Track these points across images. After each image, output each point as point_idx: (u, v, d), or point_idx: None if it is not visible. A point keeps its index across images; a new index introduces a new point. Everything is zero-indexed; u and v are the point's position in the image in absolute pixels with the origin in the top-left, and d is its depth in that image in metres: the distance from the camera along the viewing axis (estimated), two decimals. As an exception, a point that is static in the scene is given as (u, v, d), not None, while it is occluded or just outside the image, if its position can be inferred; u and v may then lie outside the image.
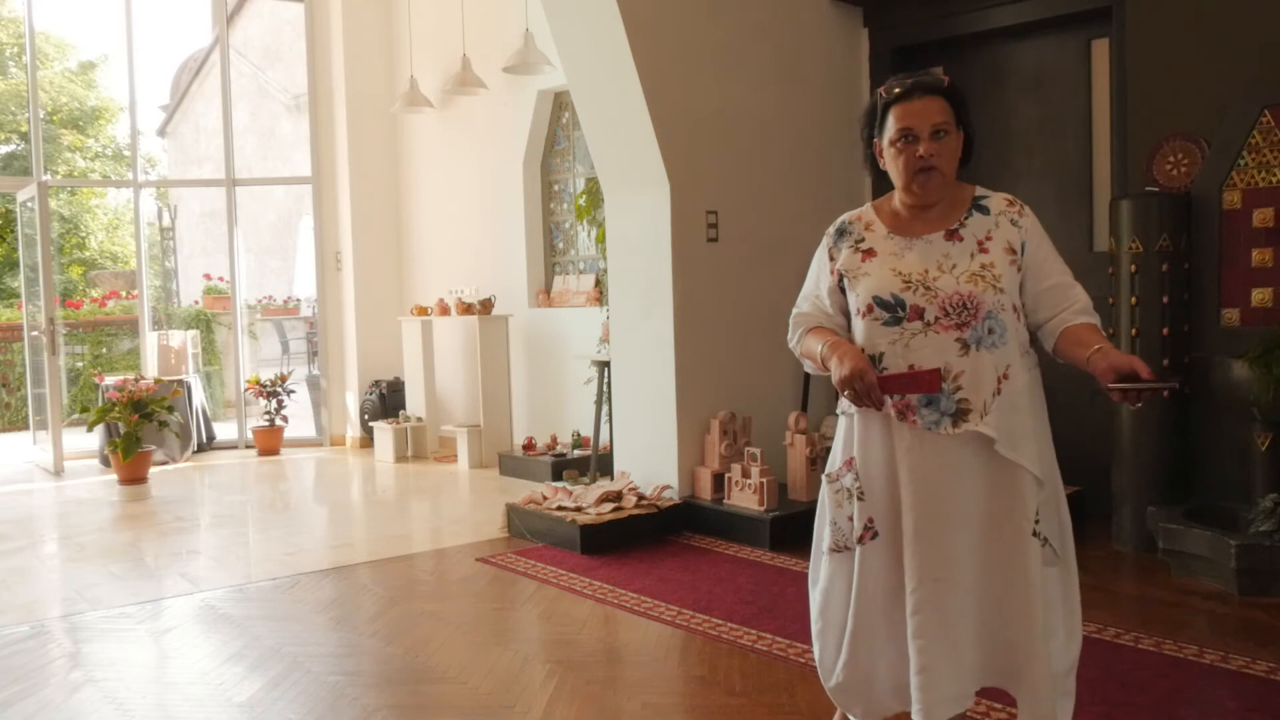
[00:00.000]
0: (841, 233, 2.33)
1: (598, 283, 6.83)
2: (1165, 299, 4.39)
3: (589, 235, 6.93)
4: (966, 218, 2.22)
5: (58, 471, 7.60)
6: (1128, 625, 3.55)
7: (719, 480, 5.07)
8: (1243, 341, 4.22)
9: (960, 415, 2.14)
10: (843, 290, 2.31)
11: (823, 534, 2.37)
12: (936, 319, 2.14)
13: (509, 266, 7.49)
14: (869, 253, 2.26)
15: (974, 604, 2.19)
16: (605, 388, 6.04)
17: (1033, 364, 2.25)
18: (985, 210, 2.23)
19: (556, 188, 7.41)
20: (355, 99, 8.29)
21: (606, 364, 5.89)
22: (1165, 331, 4.39)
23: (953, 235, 2.21)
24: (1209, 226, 4.44)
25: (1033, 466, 2.17)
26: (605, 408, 6.07)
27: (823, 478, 2.38)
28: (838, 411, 2.36)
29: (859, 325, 2.24)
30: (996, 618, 2.20)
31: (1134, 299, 4.44)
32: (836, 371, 2.15)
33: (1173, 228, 4.41)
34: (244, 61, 19.03)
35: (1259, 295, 4.33)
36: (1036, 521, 2.18)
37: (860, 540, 2.26)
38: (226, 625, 3.88)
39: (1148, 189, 4.64)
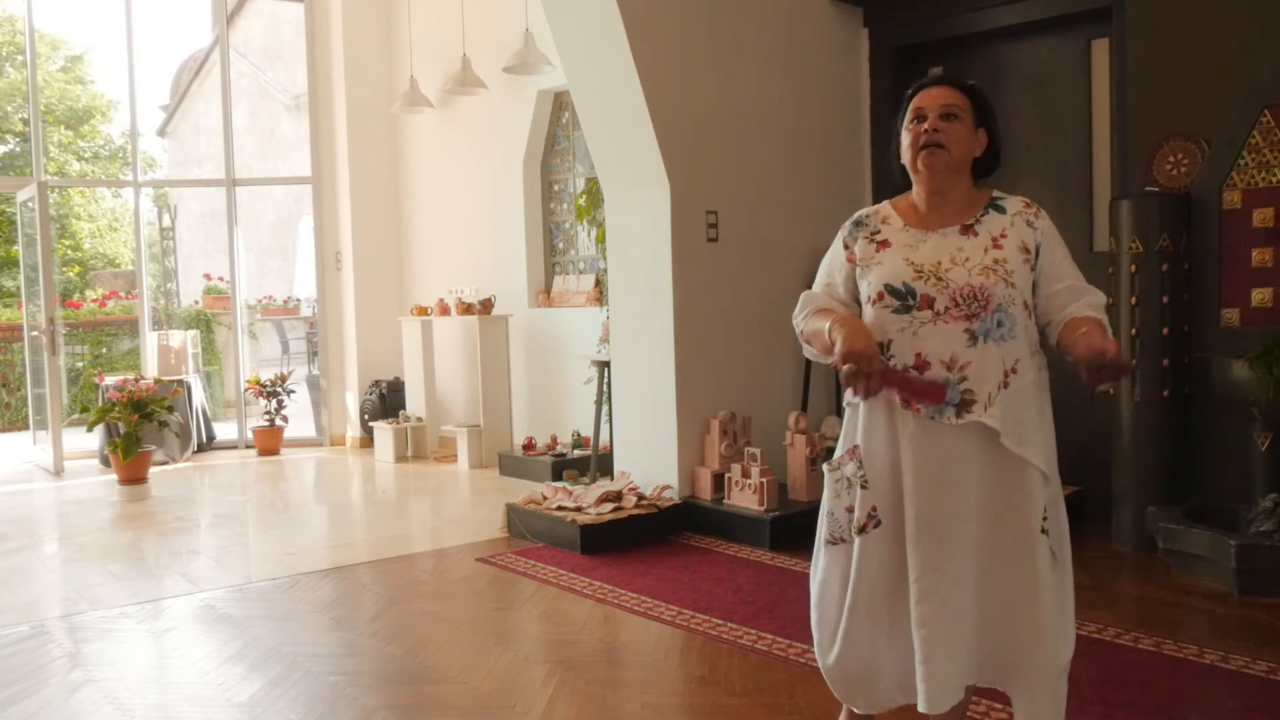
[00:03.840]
0: (858, 224, 2.36)
1: (598, 283, 6.83)
2: (1165, 299, 4.39)
3: (589, 235, 6.93)
4: (983, 215, 2.26)
5: (58, 471, 7.60)
6: (1128, 625, 3.55)
7: (719, 480, 5.07)
8: (1243, 341, 4.22)
9: (964, 406, 2.14)
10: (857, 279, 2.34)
11: (821, 526, 2.39)
12: (947, 309, 2.15)
13: (509, 266, 7.49)
14: (883, 244, 2.29)
15: (976, 598, 2.19)
16: (605, 388, 6.04)
17: (1042, 364, 2.26)
18: (1002, 210, 2.27)
19: (556, 188, 7.41)
20: (355, 99, 8.29)
21: (606, 364, 5.89)
22: (1165, 331, 4.39)
23: (968, 230, 2.23)
24: (1209, 226, 4.44)
25: (1040, 463, 2.17)
26: (605, 408, 6.07)
27: (823, 467, 2.39)
28: (844, 403, 2.36)
29: (869, 313, 2.25)
30: (1000, 615, 2.19)
31: (1134, 299, 4.44)
32: (841, 345, 2.08)
33: (1173, 228, 4.41)
34: (244, 61, 19.04)
35: (1259, 295, 4.33)
36: (1045, 518, 2.18)
37: (863, 529, 2.26)
38: (226, 625, 3.88)
39: (1148, 189, 4.64)
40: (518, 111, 7.30)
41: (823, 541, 2.36)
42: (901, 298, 2.19)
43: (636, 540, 4.83)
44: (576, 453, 6.58)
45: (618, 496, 5.02)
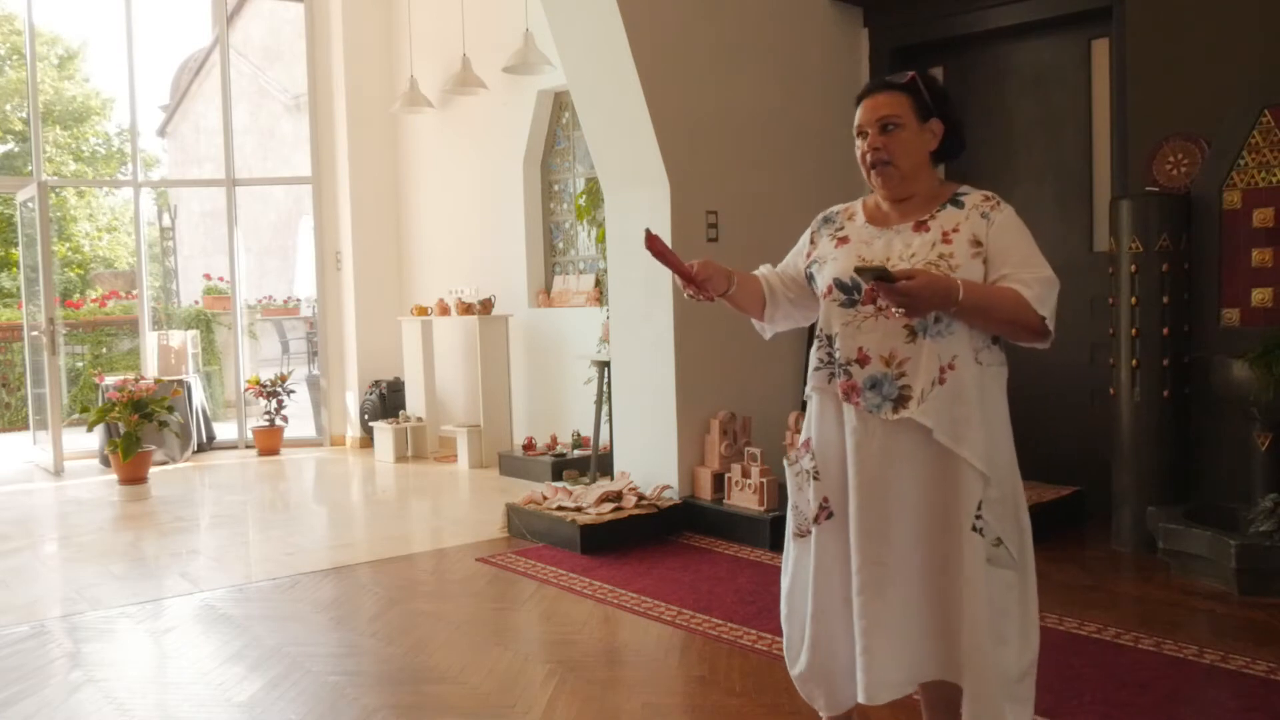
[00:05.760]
0: (827, 220, 2.42)
1: (598, 283, 6.83)
2: (1165, 299, 4.39)
3: (589, 235, 6.93)
4: (939, 211, 2.25)
5: (58, 471, 7.60)
6: (1128, 625, 3.55)
7: (719, 480, 5.08)
8: (1243, 341, 4.22)
9: (901, 401, 2.15)
10: (809, 276, 2.38)
11: (789, 520, 2.41)
12: (888, 305, 2.16)
13: (509, 266, 7.49)
14: (843, 240, 2.32)
15: (920, 594, 2.20)
16: (605, 388, 6.04)
17: (996, 361, 2.23)
18: (960, 205, 2.25)
19: (556, 188, 7.41)
20: (355, 99, 8.29)
21: (606, 364, 5.89)
22: (1165, 331, 4.39)
23: (921, 226, 2.23)
24: (1209, 226, 4.44)
25: (976, 460, 2.14)
26: (605, 408, 6.07)
27: (785, 461, 2.41)
28: (804, 397, 2.38)
29: (822, 306, 2.31)
30: (943, 612, 2.19)
31: (1134, 299, 4.44)
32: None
33: (1173, 228, 4.41)
34: (244, 61, 19.04)
35: (1259, 295, 4.33)
36: (978, 516, 2.15)
37: (816, 520, 2.30)
38: (226, 625, 3.88)
39: (1148, 189, 4.64)
40: (518, 111, 7.30)
41: (790, 535, 2.39)
42: (847, 292, 2.22)
43: (636, 540, 4.83)
44: (576, 453, 6.58)
45: (618, 496, 5.02)
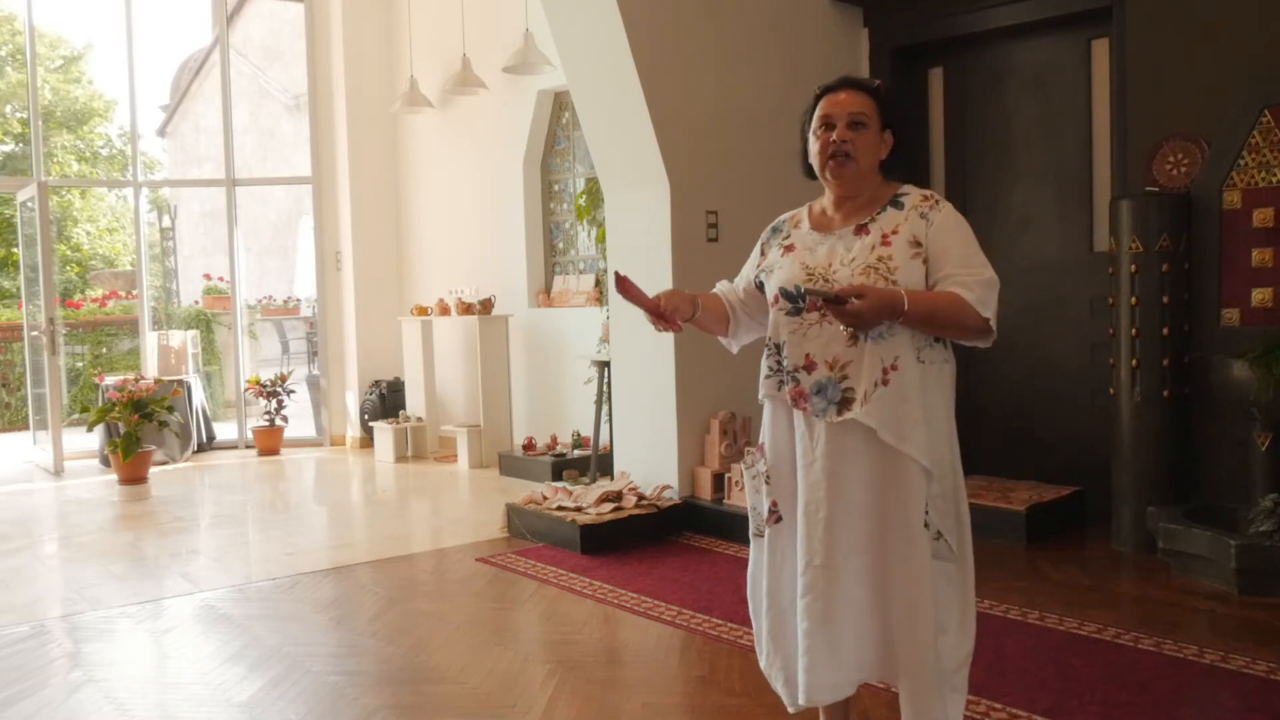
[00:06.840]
0: (775, 230, 2.45)
1: (598, 283, 6.83)
2: (1165, 299, 4.39)
3: (589, 235, 6.93)
4: (879, 213, 2.26)
5: (58, 471, 7.60)
6: (1128, 625, 3.55)
7: (719, 480, 5.08)
8: (1243, 341, 4.22)
9: (845, 404, 2.18)
10: (759, 286, 2.41)
11: (750, 519, 2.44)
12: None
13: (509, 266, 7.49)
14: (789, 248, 2.35)
15: (866, 595, 2.22)
16: (605, 388, 6.04)
17: (939, 359, 2.24)
18: (900, 205, 2.26)
19: (556, 188, 7.41)
20: (355, 99, 8.29)
21: (606, 364, 5.89)
22: (1165, 331, 4.40)
23: (861, 230, 2.25)
24: (1209, 226, 4.44)
25: (920, 456, 2.16)
26: (605, 408, 6.07)
27: (741, 464, 2.44)
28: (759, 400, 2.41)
29: (770, 315, 2.34)
30: (886, 614, 2.21)
31: (1134, 299, 4.44)
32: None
33: (1173, 228, 4.41)
34: (244, 61, 19.04)
35: (1259, 295, 4.33)
36: (926, 513, 2.18)
37: (767, 523, 2.34)
38: (226, 625, 3.88)
39: (1148, 189, 4.64)
40: (518, 111, 7.30)
41: (751, 534, 2.42)
42: (793, 300, 2.25)
43: (636, 540, 4.83)
44: (576, 453, 6.58)
45: (618, 496, 5.02)
